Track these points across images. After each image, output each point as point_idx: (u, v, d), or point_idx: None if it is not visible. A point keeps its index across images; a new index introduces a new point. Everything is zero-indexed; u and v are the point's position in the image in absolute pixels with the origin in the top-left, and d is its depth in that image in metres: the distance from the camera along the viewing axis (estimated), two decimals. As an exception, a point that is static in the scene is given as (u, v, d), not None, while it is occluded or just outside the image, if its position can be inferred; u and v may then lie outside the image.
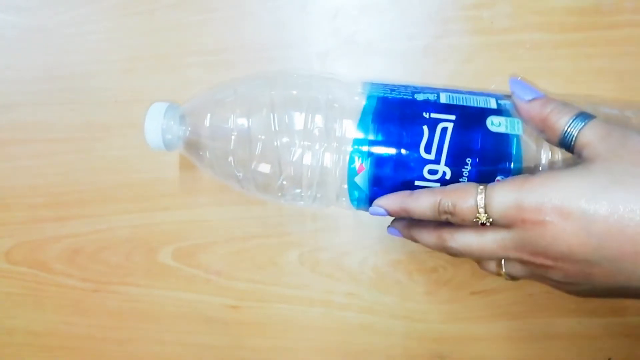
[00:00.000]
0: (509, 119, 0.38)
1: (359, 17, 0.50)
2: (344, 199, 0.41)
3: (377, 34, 0.50)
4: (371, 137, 0.38)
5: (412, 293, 0.54)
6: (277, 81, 0.41)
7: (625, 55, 0.48)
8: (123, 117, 0.53)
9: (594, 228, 0.31)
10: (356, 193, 0.40)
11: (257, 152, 0.39)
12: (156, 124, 0.40)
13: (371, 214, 0.40)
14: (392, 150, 0.38)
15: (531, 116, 0.37)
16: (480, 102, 0.39)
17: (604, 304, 0.53)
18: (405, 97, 0.39)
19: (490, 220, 0.34)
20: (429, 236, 0.38)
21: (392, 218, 0.42)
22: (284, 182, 0.40)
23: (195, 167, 0.52)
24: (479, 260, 0.39)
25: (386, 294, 0.54)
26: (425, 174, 0.38)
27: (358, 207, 0.41)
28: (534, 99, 0.37)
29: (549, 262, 0.34)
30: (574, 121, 0.35)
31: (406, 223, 0.41)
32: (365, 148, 0.38)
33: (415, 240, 0.40)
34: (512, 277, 0.38)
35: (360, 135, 0.39)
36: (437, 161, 0.38)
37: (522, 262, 0.36)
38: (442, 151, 0.37)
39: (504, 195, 0.34)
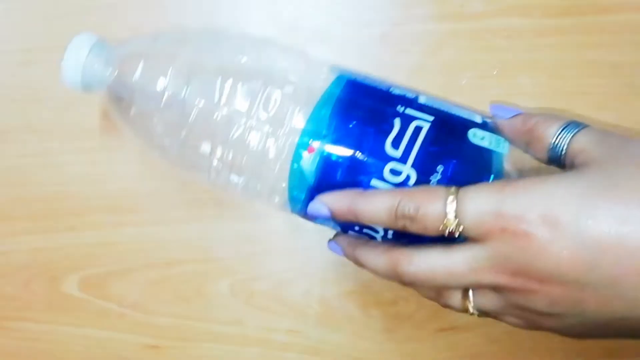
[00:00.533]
0: (494, 135, 0.37)
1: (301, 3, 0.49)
2: (279, 193, 0.38)
3: (326, 20, 0.49)
4: (331, 117, 0.36)
5: (367, 330, 0.51)
6: (229, 43, 0.40)
7: (621, 45, 0.47)
8: (20, 120, 0.50)
9: (588, 240, 0.29)
10: (297, 183, 0.37)
11: (190, 120, 0.37)
12: (78, 58, 0.39)
13: (309, 213, 0.37)
14: (352, 139, 0.36)
15: (515, 130, 0.36)
16: (464, 114, 0.38)
17: (595, 344, 0.50)
18: (379, 86, 0.38)
19: (461, 228, 0.31)
20: (377, 258, 0.35)
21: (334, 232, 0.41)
22: (215, 161, 0.38)
23: (108, 178, 0.50)
24: (440, 290, 0.35)
25: (336, 331, 0.51)
26: (386, 174, 0.35)
27: (294, 206, 0.38)
28: (516, 115, 0.36)
29: (531, 285, 0.31)
30: (565, 129, 0.34)
31: (352, 240, 0.38)
32: (321, 129, 0.36)
33: (360, 264, 0.37)
34: (482, 313, 0.35)
35: (317, 114, 0.37)
36: (403, 160, 0.35)
37: (498, 288, 0.32)
38: (411, 150, 0.35)
39: (480, 199, 0.31)
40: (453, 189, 0.32)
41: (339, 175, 0.36)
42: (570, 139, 0.33)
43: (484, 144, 0.36)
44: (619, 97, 0.47)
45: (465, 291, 0.34)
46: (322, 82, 0.38)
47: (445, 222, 0.31)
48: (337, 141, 0.36)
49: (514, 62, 0.47)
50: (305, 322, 0.51)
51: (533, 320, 0.33)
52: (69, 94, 0.47)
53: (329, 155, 0.36)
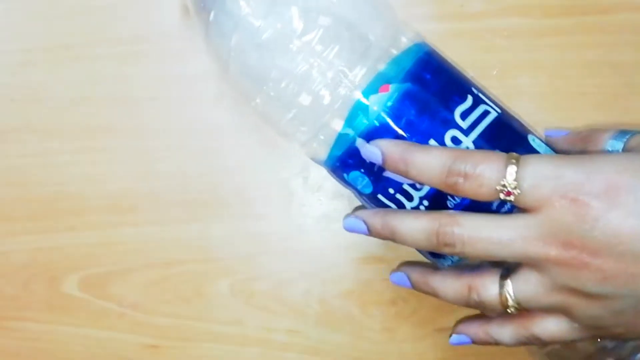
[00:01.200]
0: (548, 148, 0.38)
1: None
2: (326, 133, 0.37)
3: (325, 19, 0.47)
4: (412, 68, 0.36)
5: (366, 330, 0.50)
6: None
7: (622, 45, 0.46)
8: (20, 120, 0.49)
9: None
10: (354, 123, 0.36)
11: (262, 40, 0.35)
12: None
13: (364, 155, 0.35)
14: (425, 94, 0.35)
15: (571, 140, 0.37)
16: (523, 121, 0.38)
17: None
18: (456, 67, 0.39)
19: (517, 192, 0.30)
20: (416, 219, 0.33)
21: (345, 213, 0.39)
22: (272, 86, 0.36)
23: (108, 178, 0.50)
24: (475, 281, 0.33)
25: (335, 331, 0.51)
26: (446, 138, 0.35)
27: (338, 148, 0.37)
28: (569, 132, 0.38)
29: (584, 257, 0.29)
30: (619, 134, 0.35)
31: (379, 209, 0.36)
32: (399, 74, 0.35)
33: (390, 230, 0.34)
34: (521, 305, 0.33)
35: (398, 61, 0.36)
36: (466, 132, 0.35)
37: (546, 262, 0.31)
38: (476, 127, 0.35)
39: (541, 165, 0.30)
40: (514, 154, 0.31)
41: (401, 124, 0.35)
42: (626, 139, 0.33)
43: (540, 150, 0.36)
44: (619, 97, 0.47)
45: (502, 280, 0.33)
46: (405, 41, 0.37)
47: (502, 183, 0.30)
48: (411, 91, 0.35)
49: (514, 62, 0.47)
50: (305, 322, 0.51)
51: (579, 309, 0.31)
52: (69, 93, 0.48)
53: (399, 101, 0.35)
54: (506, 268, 0.33)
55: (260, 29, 0.35)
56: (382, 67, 0.36)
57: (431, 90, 0.36)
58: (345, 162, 0.37)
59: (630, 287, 0.29)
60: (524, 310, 0.33)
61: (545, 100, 0.47)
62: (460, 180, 0.31)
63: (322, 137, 0.37)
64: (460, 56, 0.45)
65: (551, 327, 0.33)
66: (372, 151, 0.34)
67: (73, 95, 0.48)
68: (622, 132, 0.34)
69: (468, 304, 0.34)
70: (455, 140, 0.35)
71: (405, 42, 0.37)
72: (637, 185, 0.29)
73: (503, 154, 0.32)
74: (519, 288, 0.32)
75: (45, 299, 0.52)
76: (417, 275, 0.37)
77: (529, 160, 0.31)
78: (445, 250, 0.33)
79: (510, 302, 0.32)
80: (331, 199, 0.49)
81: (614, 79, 0.46)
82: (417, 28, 0.45)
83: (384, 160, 0.34)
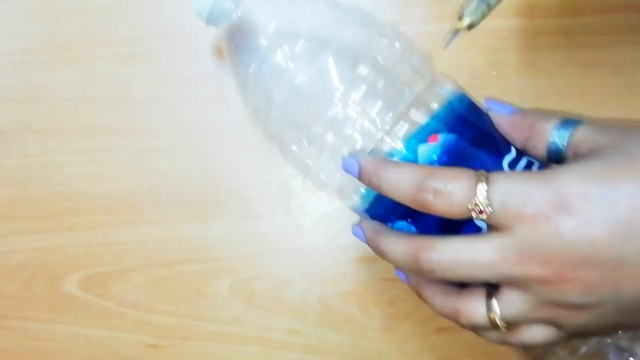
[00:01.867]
0: None
1: (286, 4, 0.46)
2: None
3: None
4: (457, 119, 0.35)
5: (365, 329, 0.50)
6: (369, 24, 0.38)
7: (621, 46, 0.46)
8: (20, 120, 0.50)
9: (620, 216, 0.28)
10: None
11: (295, 86, 0.35)
12: None
13: (343, 165, 0.35)
14: (475, 144, 0.35)
15: (513, 126, 0.35)
16: None
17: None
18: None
19: (490, 210, 0.30)
20: (398, 244, 0.33)
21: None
22: (306, 135, 0.36)
23: (108, 178, 0.50)
24: (460, 304, 0.33)
25: (335, 330, 0.51)
26: None
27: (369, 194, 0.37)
28: (514, 111, 0.36)
29: (565, 272, 0.30)
30: (564, 123, 0.34)
31: (375, 226, 0.36)
32: (446, 123, 0.35)
33: (380, 251, 0.35)
34: (509, 323, 0.32)
35: (443, 111, 0.35)
36: None
37: (528, 281, 0.31)
38: None
39: (510, 184, 0.30)
40: (483, 172, 0.31)
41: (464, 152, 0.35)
42: (571, 131, 0.33)
43: None
44: (618, 97, 0.47)
45: (488, 300, 0.33)
46: (445, 93, 0.37)
47: (474, 202, 0.30)
48: (459, 140, 0.35)
49: (513, 62, 0.47)
50: (304, 322, 0.51)
51: (565, 319, 0.32)
52: (69, 94, 0.49)
53: (448, 150, 0.34)
54: (490, 286, 0.33)
55: (302, 82, 0.35)
56: (424, 120, 0.35)
57: (478, 141, 0.35)
58: (392, 212, 0.36)
59: (613, 292, 0.30)
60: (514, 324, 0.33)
61: (544, 101, 0.46)
62: (430, 197, 0.31)
63: (362, 189, 0.37)
64: (460, 57, 0.46)
65: (538, 335, 0.33)
66: (349, 163, 0.34)
67: (73, 96, 0.48)
68: (566, 122, 0.34)
69: (460, 325, 0.34)
70: None
71: (444, 94, 0.36)
72: (604, 192, 0.29)
73: (472, 172, 0.31)
74: (505, 309, 0.32)
75: (46, 299, 0.52)
76: (413, 280, 0.37)
77: (498, 179, 0.31)
78: (427, 276, 0.33)
79: (499, 323, 0.32)
80: (331, 199, 0.49)
81: (613, 79, 0.46)
82: (417, 29, 0.46)
83: (359, 172, 0.34)
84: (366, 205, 0.37)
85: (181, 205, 0.49)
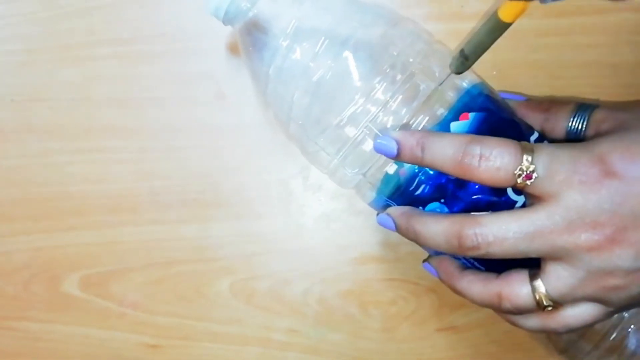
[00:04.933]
0: None
1: (303, 1, 0.45)
2: (373, 180, 0.37)
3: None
4: (482, 103, 0.36)
5: (366, 329, 0.50)
6: (381, 21, 0.37)
7: (622, 45, 0.46)
8: (20, 119, 0.49)
9: None
10: (392, 182, 0.36)
11: (312, 83, 0.35)
12: None
13: (376, 148, 0.34)
14: (503, 123, 0.35)
15: (533, 108, 0.36)
16: None
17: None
18: (510, 117, 0.38)
19: (536, 175, 0.30)
20: (438, 222, 0.33)
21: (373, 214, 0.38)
22: (341, 124, 0.35)
23: (108, 178, 0.50)
24: (504, 287, 0.33)
25: (335, 330, 0.51)
26: (510, 193, 0.34)
27: (384, 189, 0.37)
28: (530, 100, 0.37)
29: (614, 234, 0.29)
30: (581, 106, 0.35)
31: (406, 209, 0.35)
32: (476, 103, 0.35)
33: (414, 233, 0.34)
34: (557, 301, 0.32)
35: (472, 89, 0.36)
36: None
37: (574, 253, 0.30)
38: None
39: (556, 151, 0.30)
40: (528, 143, 0.31)
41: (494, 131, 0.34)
42: (590, 112, 0.34)
43: None
44: (618, 98, 0.46)
45: (532, 280, 0.32)
46: (464, 82, 0.37)
47: (521, 164, 0.30)
48: (489, 117, 0.35)
49: (513, 62, 0.46)
50: (304, 322, 0.51)
51: (614, 293, 0.31)
52: (69, 93, 0.48)
53: (480, 125, 0.35)
54: (532, 267, 0.33)
55: (322, 79, 0.35)
56: (452, 101, 0.35)
57: (504, 121, 0.35)
58: (420, 197, 0.36)
59: None
60: (560, 304, 0.32)
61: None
62: (476, 162, 0.31)
63: (379, 182, 0.37)
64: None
65: (584, 315, 0.33)
66: (386, 142, 0.33)
67: (73, 96, 0.48)
68: (582, 107, 0.34)
69: (500, 311, 0.34)
70: (518, 193, 0.34)
71: (465, 85, 0.37)
72: None
73: (517, 142, 0.31)
74: (552, 286, 0.31)
75: (46, 299, 0.51)
76: (444, 272, 0.36)
77: (544, 148, 0.31)
78: (470, 253, 0.32)
79: (546, 302, 0.32)
80: (331, 198, 0.48)
81: (613, 80, 0.46)
82: None
83: (399, 149, 0.33)
84: (387, 194, 0.37)
85: (181, 205, 0.49)
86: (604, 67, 0.46)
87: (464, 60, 0.33)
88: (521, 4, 0.30)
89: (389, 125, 0.35)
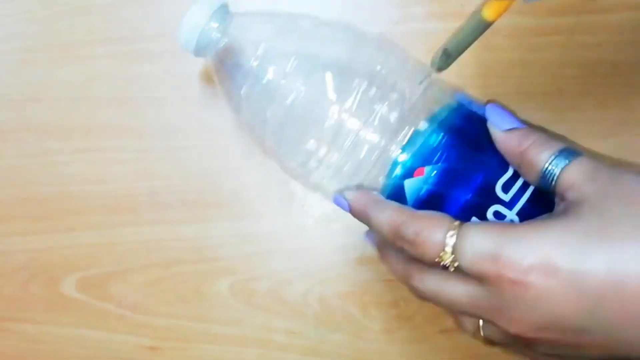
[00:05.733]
0: None
1: (273, 25, 0.46)
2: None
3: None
4: (445, 145, 0.35)
5: (366, 331, 0.50)
6: (362, 42, 0.37)
7: (622, 45, 0.46)
8: (19, 119, 0.50)
9: (588, 287, 0.28)
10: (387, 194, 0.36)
11: (292, 109, 0.36)
12: (197, 21, 0.37)
13: (334, 201, 0.37)
14: (466, 170, 0.34)
15: (508, 148, 0.34)
16: None
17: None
18: None
19: (456, 265, 0.31)
20: (396, 263, 0.35)
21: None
22: (306, 155, 0.36)
23: (107, 178, 0.50)
24: (452, 313, 0.35)
25: (335, 331, 0.51)
26: (489, 214, 0.34)
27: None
28: (512, 130, 0.34)
29: (529, 333, 0.30)
30: (557, 158, 0.32)
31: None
32: (432, 155, 0.34)
33: (384, 262, 0.37)
34: (490, 343, 0.34)
35: (429, 138, 0.35)
36: (509, 206, 0.34)
37: (499, 331, 0.32)
38: (519, 199, 0.34)
39: (479, 240, 0.30)
40: (457, 222, 0.31)
41: (444, 202, 0.34)
42: (560, 171, 0.32)
43: None
44: (619, 97, 0.46)
45: (476, 318, 0.34)
46: (435, 101, 0.36)
47: (442, 255, 0.31)
48: (453, 168, 0.34)
49: (514, 61, 0.46)
50: (305, 323, 0.51)
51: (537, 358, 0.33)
52: (69, 93, 0.48)
53: (440, 180, 0.34)
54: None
55: (295, 99, 0.35)
56: (423, 126, 0.35)
57: (472, 162, 0.35)
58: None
59: (578, 352, 0.30)
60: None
61: (545, 100, 0.46)
62: (407, 245, 0.32)
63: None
64: (461, 55, 0.45)
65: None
66: (340, 201, 0.36)
67: (73, 95, 0.48)
68: (560, 154, 0.32)
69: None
70: (499, 216, 0.34)
71: (443, 99, 0.36)
72: (574, 264, 0.28)
73: (446, 220, 0.32)
74: (487, 332, 0.33)
75: (44, 300, 0.51)
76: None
77: (469, 232, 0.31)
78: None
79: (483, 340, 0.35)
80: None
81: (614, 79, 0.46)
82: (418, 27, 0.47)
83: (351, 210, 0.36)
84: None
85: (181, 205, 0.49)
86: (605, 66, 0.46)
87: (446, 58, 0.34)
88: (505, 3, 0.30)
89: (366, 143, 0.35)
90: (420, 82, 0.36)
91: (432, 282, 0.33)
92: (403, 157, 0.35)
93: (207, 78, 0.48)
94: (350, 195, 0.36)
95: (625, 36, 0.46)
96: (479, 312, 0.32)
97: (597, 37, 0.46)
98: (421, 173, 0.34)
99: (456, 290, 0.32)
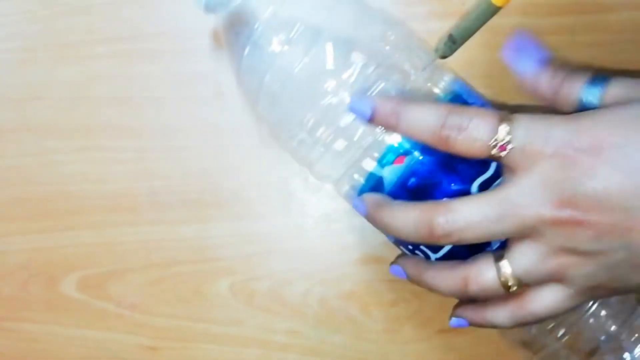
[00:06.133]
0: None
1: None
2: (349, 182, 0.38)
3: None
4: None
5: (367, 331, 0.50)
6: (374, 19, 0.37)
7: (624, 44, 0.45)
8: (18, 118, 0.49)
9: (634, 165, 0.29)
10: (371, 180, 0.36)
11: (295, 75, 0.35)
12: None
13: (350, 108, 0.34)
14: (445, 167, 0.34)
15: (541, 89, 0.35)
16: None
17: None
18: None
19: (511, 146, 0.30)
20: (408, 210, 0.33)
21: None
22: (302, 127, 0.36)
23: (107, 178, 0.49)
24: (470, 271, 0.33)
25: (336, 332, 0.50)
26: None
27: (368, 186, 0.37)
28: (541, 68, 0.35)
29: (578, 215, 0.30)
30: (594, 81, 0.33)
31: (379, 200, 0.35)
32: (414, 146, 0.34)
33: (384, 223, 0.34)
34: (522, 281, 0.32)
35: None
36: None
37: (538, 228, 0.31)
38: None
39: (532, 124, 0.31)
40: (507, 113, 0.31)
41: (418, 193, 0.35)
42: (602, 89, 0.33)
43: None
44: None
45: (498, 263, 0.33)
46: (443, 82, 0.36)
47: (495, 138, 0.30)
48: (431, 162, 0.34)
49: (515, 60, 0.46)
50: (305, 323, 0.50)
51: (574, 270, 0.31)
52: (69, 92, 0.48)
53: (418, 171, 0.35)
54: (497, 250, 0.33)
55: (296, 68, 0.35)
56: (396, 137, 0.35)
57: (452, 161, 0.34)
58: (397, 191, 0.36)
59: (623, 240, 0.30)
60: (525, 287, 0.33)
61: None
62: (454, 133, 0.31)
63: (355, 176, 0.37)
64: (462, 55, 0.45)
65: (547, 299, 0.33)
66: (360, 105, 0.33)
67: (72, 95, 0.48)
68: (596, 80, 0.34)
69: (467, 295, 0.34)
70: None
71: (443, 83, 0.37)
72: (622, 141, 0.29)
73: (496, 112, 0.32)
74: (516, 263, 0.32)
75: (43, 300, 0.51)
76: (412, 268, 0.37)
77: (521, 119, 0.31)
78: (443, 241, 0.32)
79: (511, 282, 0.32)
80: (331, 199, 0.48)
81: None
82: (419, 26, 0.44)
83: (373, 113, 0.33)
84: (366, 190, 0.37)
85: (181, 205, 0.48)
86: (606, 66, 0.46)
87: (452, 44, 0.34)
88: None
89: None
90: (424, 68, 0.35)
91: (464, 205, 0.31)
92: (393, 140, 0.35)
93: (216, 40, 0.47)
94: (374, 97, 0.34)
95: (626, 36, 0.45)
96: (522, 211, 0.30)
97: (598, 36, 0.46)
98: (400, 162, 0.34)
99: (497, 197, 0.31)
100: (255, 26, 0.36)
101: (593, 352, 0.38)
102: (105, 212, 0.49)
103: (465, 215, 0.31)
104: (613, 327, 0.37)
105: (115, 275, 0.50)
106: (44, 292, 0.51)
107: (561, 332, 0.38)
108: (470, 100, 0.36)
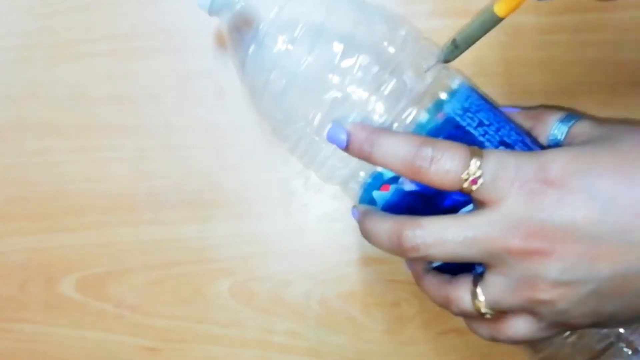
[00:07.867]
0: None
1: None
2: (357, 182, 0.38)
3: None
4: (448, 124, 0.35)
5: (368, 332, 0.50)
6: (381, 20, 0.37)
7: (627, 43, 0.46)
8: (16, 117, 0.49)
9: (598, 192, 0.30)
10: (365, 199, 0.37)
11: (299, 77, 0.35)
12: None
13: (328, 137, 0.35)
14: (428, 198, 0.35)
15: (524, 115, 0.39)
16: None
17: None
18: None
19: (482, 181, 0.31)
20: (383, 223, 0.34)
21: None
22: (307, 126, 0.36)
23: (106, 178, 0.49)
24: (449, 293, 0.34)
25: (336, 332, 0.50)
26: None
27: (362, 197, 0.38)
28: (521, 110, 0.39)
29: (546, 246, 0.30)
30: (565, 118, 0.37)
31: (369, 209, 0.37)
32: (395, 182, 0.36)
33: (365, 232, 0.35)
34: (494, 309, 0.33)
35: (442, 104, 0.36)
36: None
37: (507, 260, 0.31)
38: None
39: (502, 158, 0.31)
40: (477, 148, 0.32)
41: (410, 206, 0.35)
42: (571, 125, 0.35)
43: None
44: (623, 95, 0.46)
45: (473, 287, 0.33)
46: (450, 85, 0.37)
47: (467, 171, 0.31)
48: (414, 195, 0.35)
49: (517, 60, 0.46)
50: (305, 324, 0.50)
51: (543, 304, 0.32)
52: (68, 91, 0.48)
53: (403, 199, 0.35)
54: (477, 274, 0.34)
55: (300, 67, 0.35)
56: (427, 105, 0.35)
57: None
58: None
59: (591, 271, 0.30)
60: (500, 313, 0.33)
61: (549, 98, 0.46)
62: (426, 164, 0.31)
63: (362, 174, 0.37)
64: (464, 54, 0.44)
65: (520, 328, 0.34)
66: (336, 133, 0.34)
67: (71, 93, 0.48)
68: (568, 117, 0.36)
69: (453, 313, 0.35)
70: None
71: (450, 85, 0.37)
72: (587, 172, 0.30)
73: (467, 147, 0.32)
74: (488, 293, 0.33)
75: (42, 300, 0.51)
76: (413, 274, 0.38)
77: (491, 154, 0.32)
78: (410, 254, 0.33)
79: (484, 310, 0.33)
80: (332, 199, 0.48)
81: (618, 77, 0.46)
82: (421, 25, 0.45)
83: (348, 141, 0.34)
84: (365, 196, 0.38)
85: (181, 205, 0.48)
86: (609, 65, 0.46)
87: (454, 49, 0.35)
88: (517, 0, 0.31)
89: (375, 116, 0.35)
90: (427, 70, 0.36)
91: (434, 224, 0.32)
92: (419, 114, 0.35)
93: (219, 42, 0.48)
94: (349, 125, 0.34)
95: (630, 35, 0.46)
96: (491, 241, 0.31)
97: (602, 35, 0.46)
98: (385, 189, 0.36)
99: (466, 223, 0.31)
100: (260, 26, 0.36)
101: (599, 353, 0.38)
102: (104, 212, 0.49)
103: (433, 232, 0.32)
104: (621, 329, 0.37)
105: (114, 275, 0.50)
106: (43, 293, 0.51)
107: (566, 332, 0.38)
108: (473, 105, 0.36)
